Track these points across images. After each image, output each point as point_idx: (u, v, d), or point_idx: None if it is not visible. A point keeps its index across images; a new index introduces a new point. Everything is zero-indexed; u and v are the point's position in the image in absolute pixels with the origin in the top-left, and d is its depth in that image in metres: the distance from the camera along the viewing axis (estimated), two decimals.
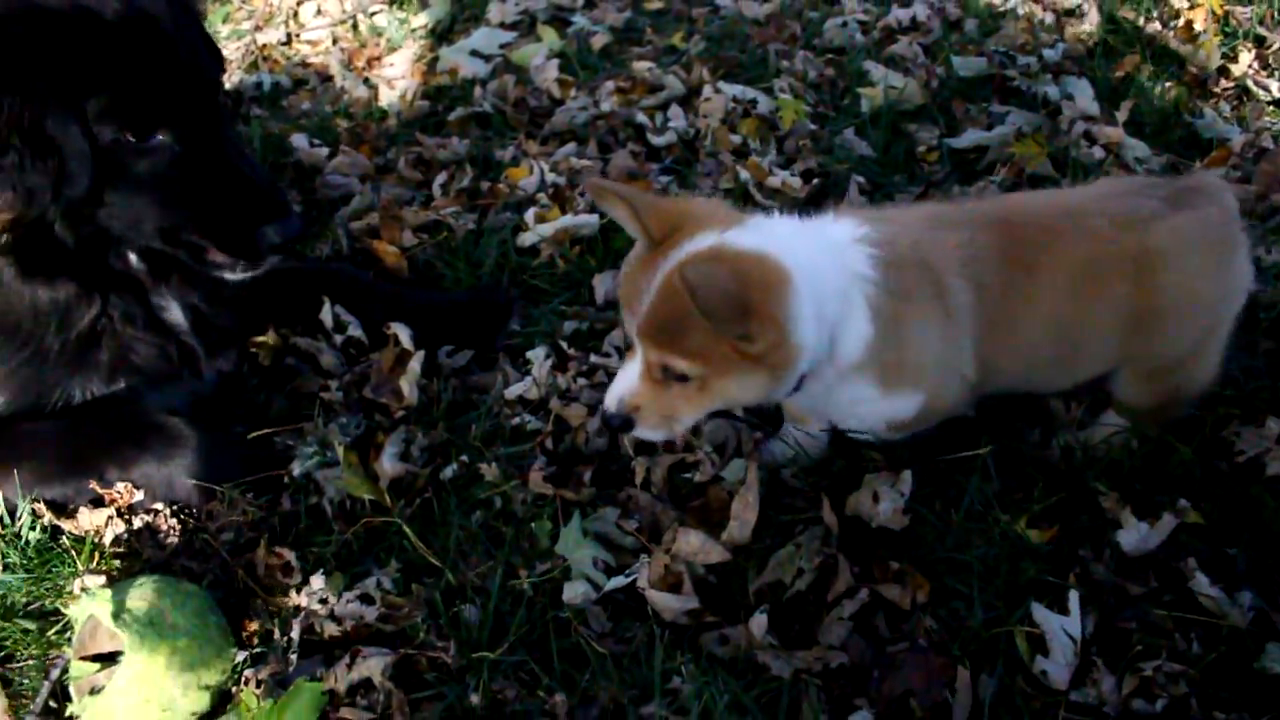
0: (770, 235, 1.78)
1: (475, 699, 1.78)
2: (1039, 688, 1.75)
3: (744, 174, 3.12)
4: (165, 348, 2.44)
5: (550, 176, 3.26)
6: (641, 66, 3.78)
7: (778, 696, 1.75)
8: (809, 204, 3.02)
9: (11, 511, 2.25)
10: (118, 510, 2.22)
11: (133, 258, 2.32)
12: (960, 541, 1.96)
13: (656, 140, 3.42)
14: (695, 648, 1.84)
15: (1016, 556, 1.93)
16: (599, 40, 4.07)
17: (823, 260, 1.79)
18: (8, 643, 2.03)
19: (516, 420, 2.38)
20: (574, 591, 1.95)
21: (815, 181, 3.09)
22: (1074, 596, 1.83)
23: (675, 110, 3.51)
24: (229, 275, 2.38)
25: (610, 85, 3.71)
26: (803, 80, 3.60)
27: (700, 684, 1.74)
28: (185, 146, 2.18)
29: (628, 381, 1.83)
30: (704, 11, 4.23)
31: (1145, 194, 1.94)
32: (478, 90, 3.84)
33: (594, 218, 2.99)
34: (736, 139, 3.35)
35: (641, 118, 3.50)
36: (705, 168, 3.26)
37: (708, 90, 3.54)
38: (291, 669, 1.87)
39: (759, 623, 1.86)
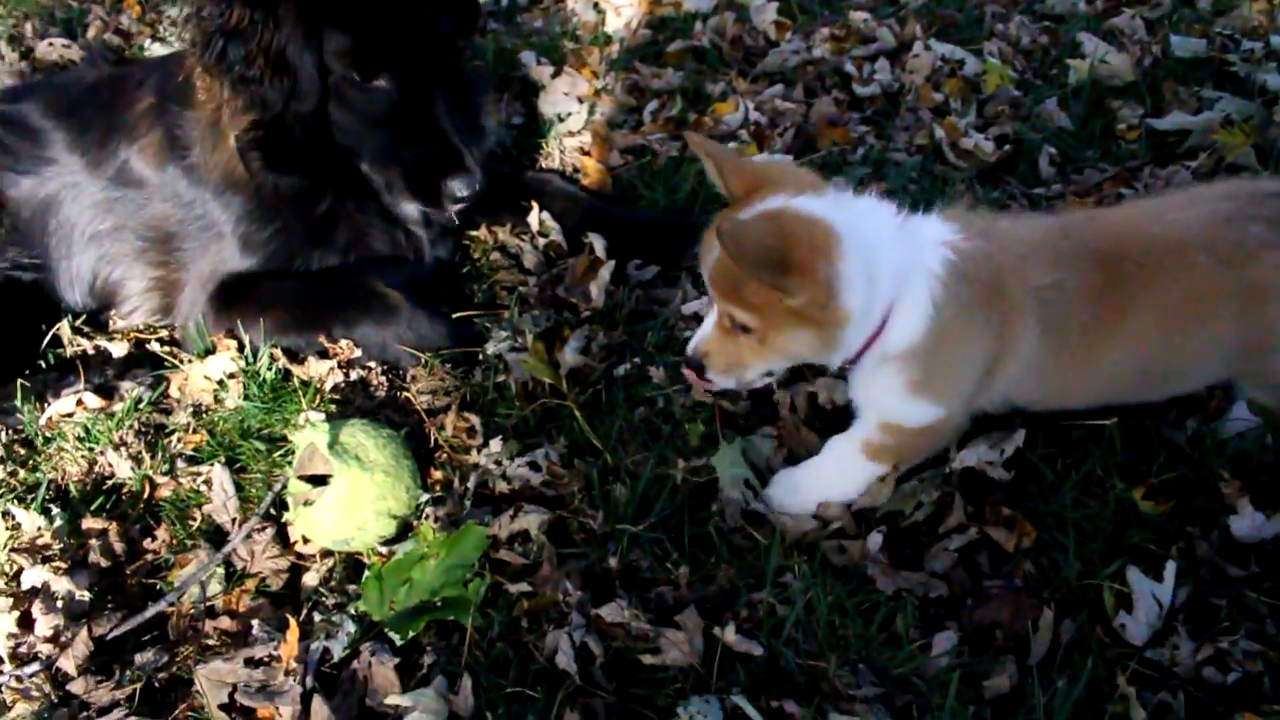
0: (839, 207, 1.88)
1: (613, 562, 2.05)
2: (1116, 640, 1.88)
3: (939, 132, 3.23)
4: (394, 235, 2.80)
5: (754, 114, 3.46)
6: (858, 17, 3.90)
7: (877, 607, 1.96)
8: (998, 169, 3.12)
9: (254, 353, 2.66)
10: (339, 363, 2.59)
11: (365, 165, 2.68)
12: (1072, 500, 2.09)
13: (861, 90, 3.56)
14: (812, 551, 2.06)
15: (1124, 523, 2.05)
16: None
17: (890, 241, 1.89)
18: (243, 457, 2.44)
19: (688, 333, 2.60)
20: (719, 503, 2.17)
21: (1007, 147, 3.17)
22: (1171, 566, 1.94)
23: (883, 63, 3.63)
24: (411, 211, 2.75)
25: (825, 32, 3.86)
26: (1014, 45, 3.66)
27: (809, 582, 1.97)
28: (402, 93, 2.53)
29: (704, 330, 2.02)
30: None
31: (1250, 217, 1.91)
32: (698, 25, 4.04)
33: (788, 158, 3.17)
34: (939, 97, 3.45)
35: (849, 67, 3.64)
36: (903, 121, 3.39)
37: (918, 47, 3.64)
38: (464, 513, 2.19)
39: (874, 540, 2.05)
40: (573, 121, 3.53)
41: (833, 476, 2.13)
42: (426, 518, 2.20)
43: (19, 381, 2.64)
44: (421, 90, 2.55)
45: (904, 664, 1.86)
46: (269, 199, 2.71)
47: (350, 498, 2.13)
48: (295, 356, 2.67)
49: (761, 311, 1.88)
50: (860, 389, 2.08)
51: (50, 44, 4.65)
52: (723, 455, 2.25)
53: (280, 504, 2.26)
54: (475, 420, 2.41)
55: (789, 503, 2.15)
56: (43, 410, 2.62)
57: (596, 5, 4.37)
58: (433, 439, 2.41)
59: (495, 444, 2.32)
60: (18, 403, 2.60)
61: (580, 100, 3.64)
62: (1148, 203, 2.25)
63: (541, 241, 2.99)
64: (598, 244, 2.84)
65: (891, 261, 1.88)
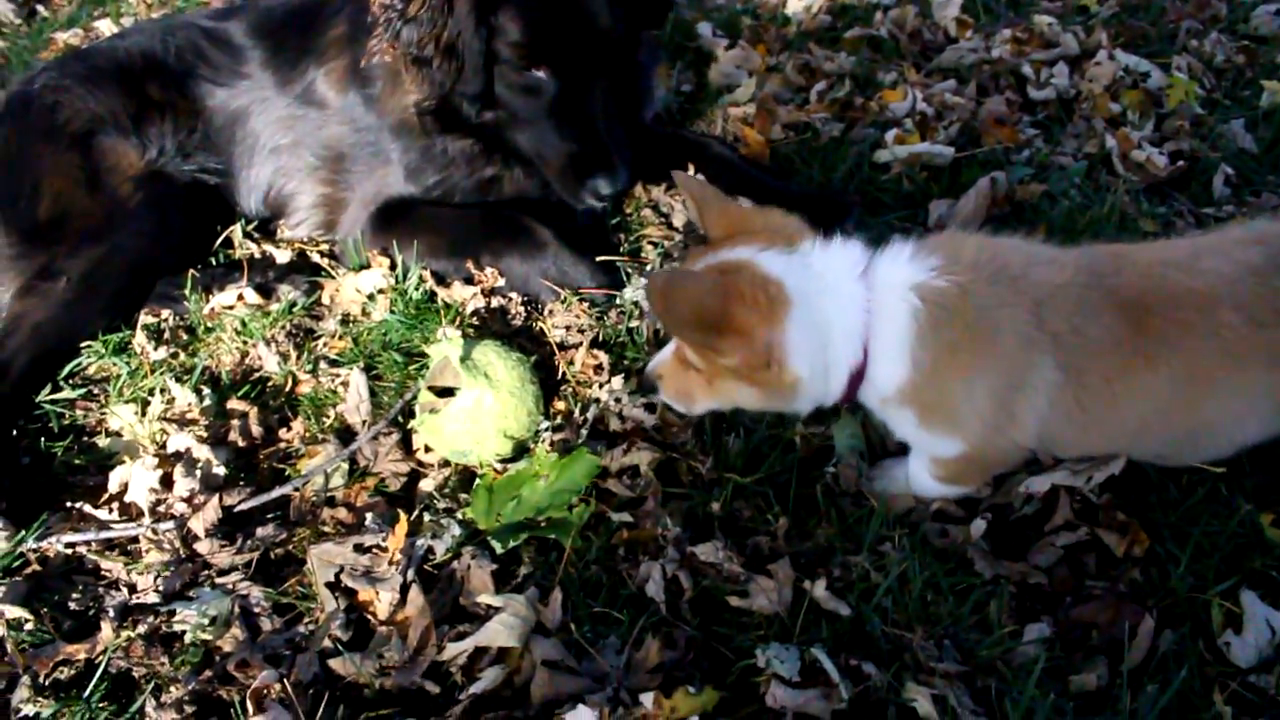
0: (801, 267, 1.80)
1: (715, 507, 2.09)
2: (1219, 658, 1.82)
3: (1110, 142, 3.14)
4: (549, 193, 2.87)
5: (922, 105, 3.42)
6: (1043, 20, 3.82)
7: (972, 589, 1.93)
8: (1168, 185, 3.02)
9: (404, 272, 2.79)
10: (482, 290, 2.68)
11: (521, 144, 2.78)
12: (1193, 516, 2.02)
13: (1035, 94, 3.48)
14: (914, 528, 2.05)
15: (1246, 546, 1.97)
16: None
17: (849, 302, 1.81)
18: (380, 366, 2.56)
19: None
20: (835, 467, 2.18)
21: (1180, 163, 3.05)
22: None
23: (1062, 68, 3.54)
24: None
25: (1007, 33, 3.79)
26: (1206, 63, 3.52)
27: (906, 554, 1.96)
28: (562, 85, 2.61)
29: (664, 354, 2.02)
30: None
31: None
32: (879, 15, 4.02)
33: (949, 150, 3.14)
34: (1115, 108, 3.35)
35: (1027, 69, 3.57)
36: (1074, 129, 3.31)
37: (1101, 55, 3.53)
38: (580, 441, 2.25)
39: (977, 526, 2.03)
40: (740, 93, 3.55)
41: (920, 483, 2.10)
42: (544, 442, 2.27)
43: (190, 273, 2.83)
44: (582, 84, 2.63)
45: (992, 647, 1.84)
46: (438, 154, 2.85)
47: (474, 411, 2.21)
48: (442, 280, 2.78)
49: (707, 358, 1.86)
50: (889, 424, 2.02)
51: None
52: (843, 425, 2.26)
53: (409, 413, 2.37)
54: (604, 358, 2.46)
55: (887, 488, 2.14)
56: (207, 301, 2.81)
57: None
58: (561, 371, 2.47)
59: (617, 381, 2.37)
60: (186, 291, 2.78)
61: (750, 74, 3.66)
62: (1179, 245, 2.03)
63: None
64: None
65: (850, 322, 1.81)
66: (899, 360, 1.82)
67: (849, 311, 1.81)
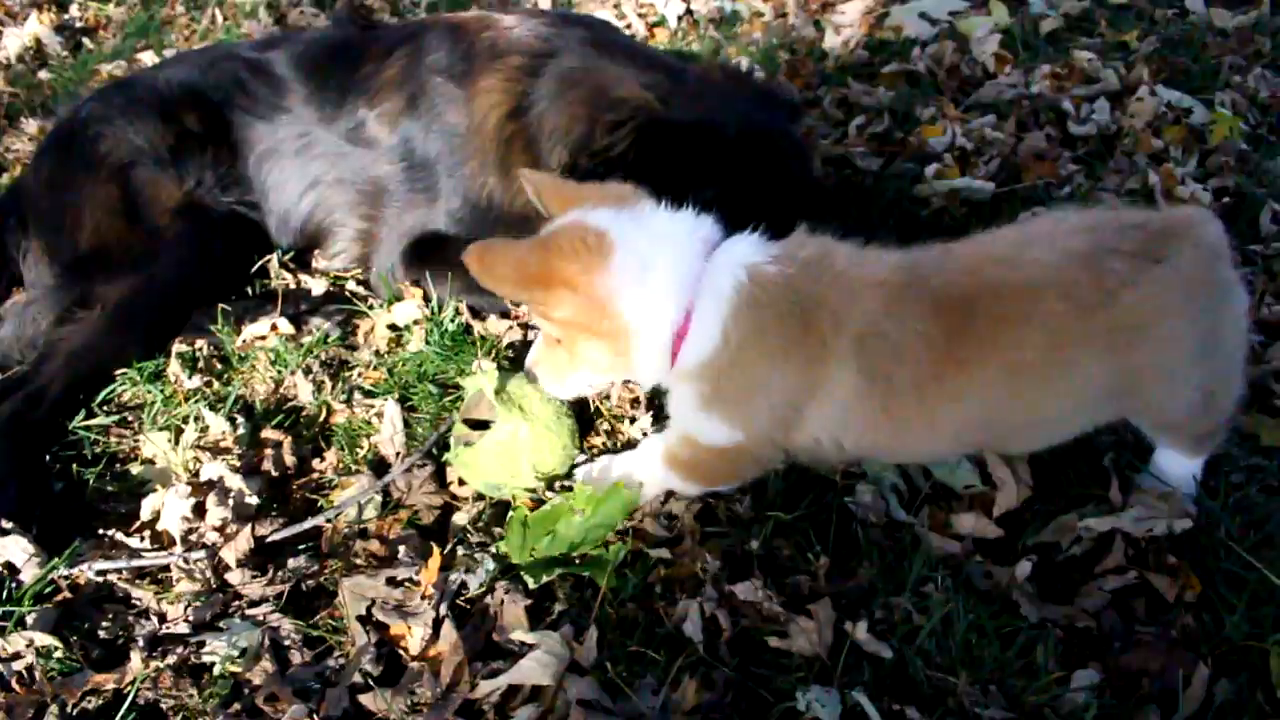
0: (630, 218, 1.86)
1: (754, 545, 2.04)
2: (1278, 709, 1.76)
3: (1154, 178, 3.10)
4: None
5: (961, 140, 3.39)
6: (1082, 56, 3.79)
7: (1017, 633, 1.88)
8: None
9: (439, 304, 2.77)
10: (518, 324, 2.67)
11: None
12: (1247, 561, 1.96)
13: (1076, 129, 3.44)
14: (957, 569, 2.00)
15: None
16: (1049, 24, 4.10)
17: (679, 256, 1.85)
18: (415, 398, 2.54)
19: None
20: (863, 498, 2.14)
21: (1226, 200, 3.01)
22: None
23: (1103, 104, 3.50)
24: None
25: (1046, 69, 3.76)
26: (1250, 99, 3.48)
27: (950, 596, 1.91)
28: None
29: (537, 342, 2.07)
30: (1169, 14, 4.12)
31: (1114, 250, 1.76)
32: (916, 50, 4.00)
33: (990, 185, 3.11)
34: (1158, 144, 3.31)
35: (1067, 104, 3.53)
36: (1117, 164, 3.26)
37: (1143, 91, 3.50)
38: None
39: (1023, 569, 1.98)
40: None
41: (639, 467, 2.14)
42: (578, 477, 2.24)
43: (220, 306, 2.82)
44: None
45: (1039, 694, 1.79)
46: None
47: (509, 445, 2.19)
48: (477, 314, 2.77)
49: (548, 319, 1.92)
50: (670, 402, 2.05)
51: (301, 12, 5.00)
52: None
53: (443, 446, 2.34)
54: (640, 393, 2.44)
55: (595, 477, 2.17)
56: (239, 332, 2.80)
57: (817, 23, 4.38)
58: (596, 405, 2.45)
59: (646, 419, 2.35)
60: (219, 322, 2.78)
61: None
62: (1007, 238, 1.97)
63: None
64: None
65: (676, 276, 1.84)
66: (710, 332, 1.85)
67: (677, 267, 1.85)
